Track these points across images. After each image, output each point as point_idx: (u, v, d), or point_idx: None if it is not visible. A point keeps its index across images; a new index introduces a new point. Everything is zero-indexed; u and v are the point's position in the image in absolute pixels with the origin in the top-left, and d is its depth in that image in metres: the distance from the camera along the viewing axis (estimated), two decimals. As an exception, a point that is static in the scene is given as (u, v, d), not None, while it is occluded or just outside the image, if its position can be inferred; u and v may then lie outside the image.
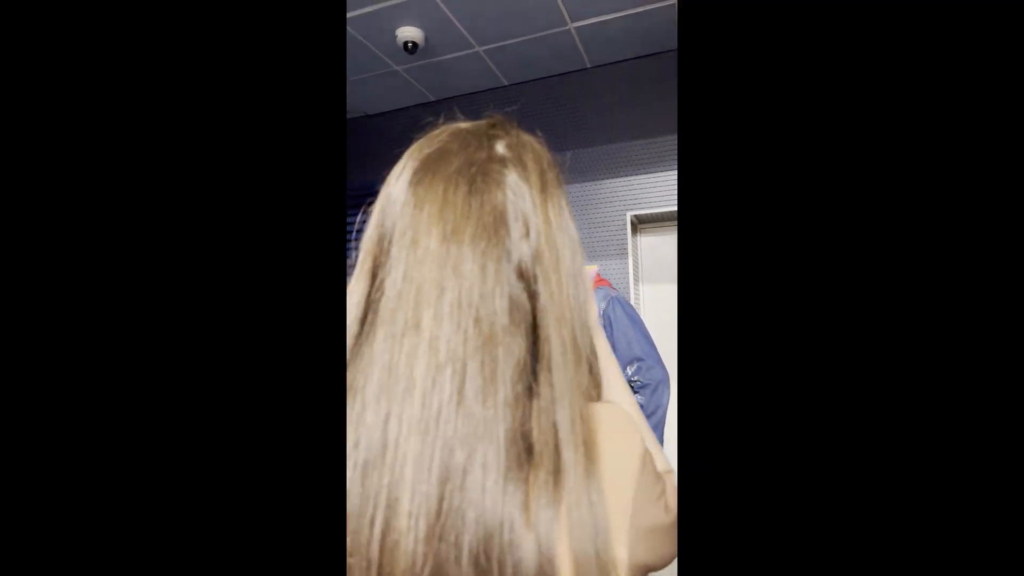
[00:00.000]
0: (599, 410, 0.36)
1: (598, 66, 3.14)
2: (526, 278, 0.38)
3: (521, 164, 0.41)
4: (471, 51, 2.91)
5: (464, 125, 0.45)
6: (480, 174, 0.39)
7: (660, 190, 2.97)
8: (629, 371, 1.80)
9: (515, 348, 0.35)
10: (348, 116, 3.71)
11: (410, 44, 2.65)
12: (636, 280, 3.05)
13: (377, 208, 0.42)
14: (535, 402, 0.34)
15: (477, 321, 0.35)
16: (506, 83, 3.35)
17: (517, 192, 0.39)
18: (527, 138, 0.46)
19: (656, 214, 2.97)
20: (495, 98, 3.43)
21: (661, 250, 3.14)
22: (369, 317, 0.38)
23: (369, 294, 0.39)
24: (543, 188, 0.41)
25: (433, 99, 3.57)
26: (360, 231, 0.43)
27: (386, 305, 0.37)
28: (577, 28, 2.72)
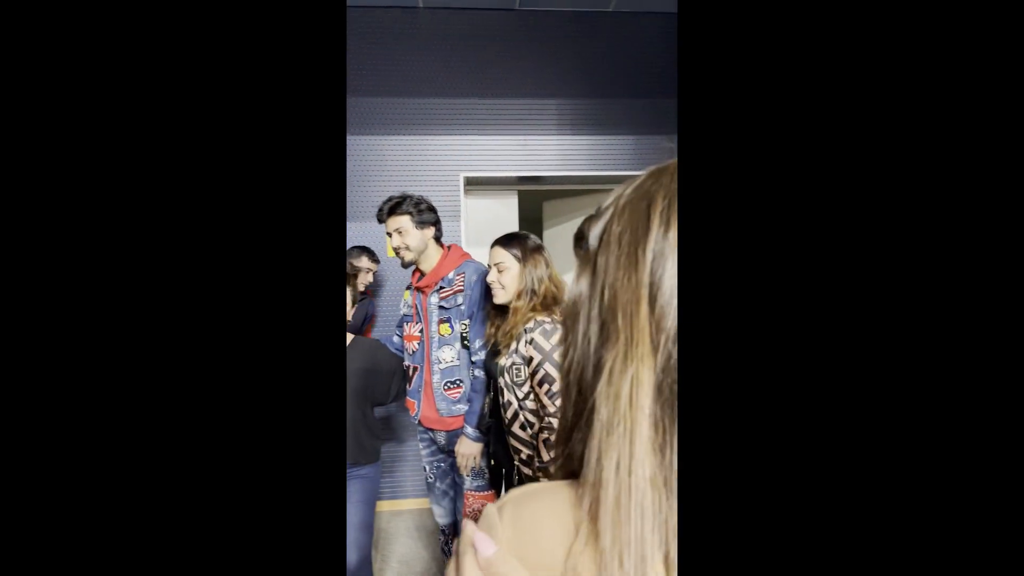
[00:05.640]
0: None
1: (432, 8, 2.89)
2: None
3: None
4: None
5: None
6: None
7: (493, 152, 2.92)
8: (477, 344, 1.81)
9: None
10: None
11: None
12: (467, 243, 3.01)
13: None
14: None
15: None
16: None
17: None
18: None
19: (488, 178, 2.93)
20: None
21: (492, 212, 3.14)
22: None
23: None
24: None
25: None
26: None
27: None
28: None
